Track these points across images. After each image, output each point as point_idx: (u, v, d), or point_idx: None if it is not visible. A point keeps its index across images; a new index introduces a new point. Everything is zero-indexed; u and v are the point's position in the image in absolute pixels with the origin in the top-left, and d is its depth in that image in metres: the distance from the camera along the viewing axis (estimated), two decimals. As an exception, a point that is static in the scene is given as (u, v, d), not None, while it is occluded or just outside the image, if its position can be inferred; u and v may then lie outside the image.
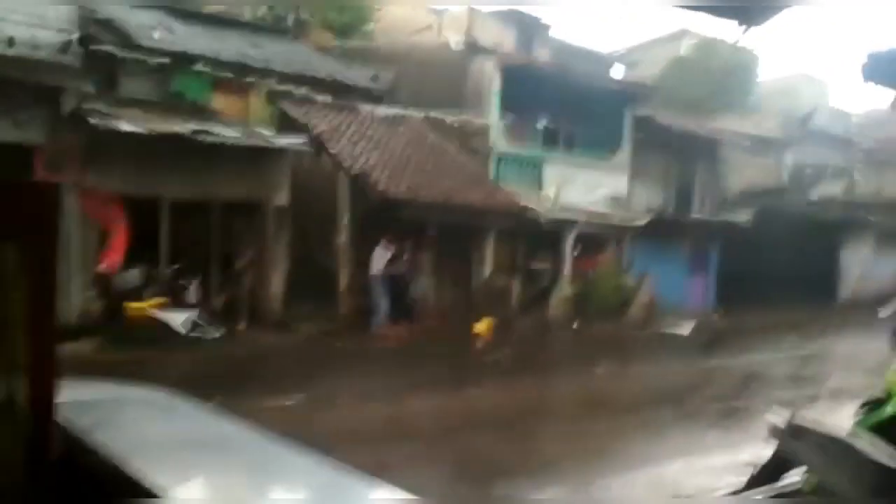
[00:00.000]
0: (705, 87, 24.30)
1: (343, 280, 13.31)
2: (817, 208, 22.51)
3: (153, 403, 3.33)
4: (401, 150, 14.48)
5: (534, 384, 10.46)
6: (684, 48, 27.26)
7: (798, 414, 4.34)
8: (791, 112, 24.44)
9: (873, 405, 4.68)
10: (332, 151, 13.29)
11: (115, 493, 2.20)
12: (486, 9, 20.92)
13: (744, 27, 1.95)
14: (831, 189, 24.65)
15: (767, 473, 4.26)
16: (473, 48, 16.73)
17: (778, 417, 4.16)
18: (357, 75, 15.56)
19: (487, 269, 15.08)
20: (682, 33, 27.93)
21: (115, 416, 2.96)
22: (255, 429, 2.90)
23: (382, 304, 13.22)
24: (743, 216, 19.41)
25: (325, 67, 15.10)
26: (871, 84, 3.37)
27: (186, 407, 3.29)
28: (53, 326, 2.26)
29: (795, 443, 4.06)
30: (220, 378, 9.34)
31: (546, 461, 6.96)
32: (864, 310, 21.33)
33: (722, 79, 25.11)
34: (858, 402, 5.09)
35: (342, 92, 14.79)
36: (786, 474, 4.22)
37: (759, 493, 4.32)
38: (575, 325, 15.29)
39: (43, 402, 2.27)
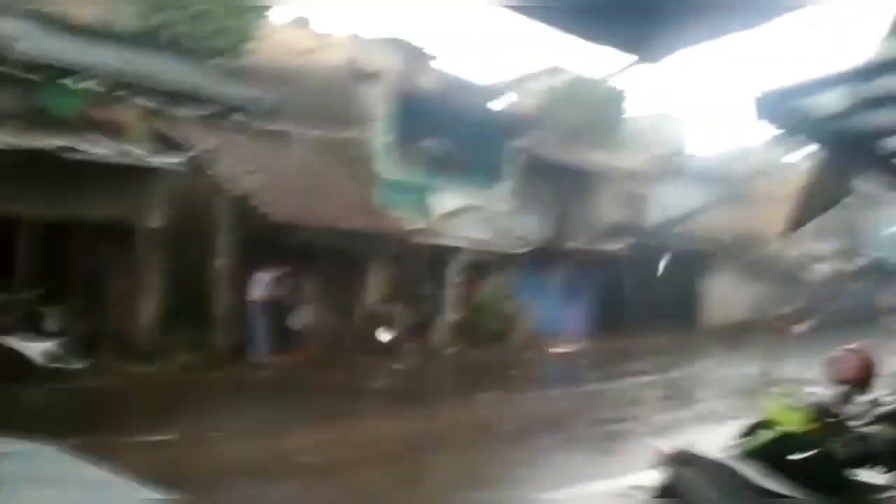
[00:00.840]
0: (580, 122, 25.37)
1: (221, 307, 12.76)
2: (682, 240, 23.91)
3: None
4: (285, 173, 14.13)
5: (419, 413, 10.37)
6: (559, 83, 28.42)
7: (683, 441, 4.50)
8: (656, 148, 26.02)
9: (752, 429, 4.93)
10: (213, 172, 12.78)
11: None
12: (369, 35, 20.96)
13: (639, 63, 2.00)
14: (695, 222, 26.35)
15: (658, 500, 4.38)
16: (359, 73, 16.67)
17: (663, 444, 4.26)
18: (240, 94, 15.07)
19: (373, 295, 14.93)
20: (556, 69, 29.14)
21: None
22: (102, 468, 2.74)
23: (263, 332, 12.75)
24: (616, 245, 20.29)
25: (206, 84, 14.53)
26: (764, 122, 3.46)
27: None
28: None
29: (682, 469, 4.18)
30: (83, 414, 8.65)
31: (431, 493, 6.90)
32: (726, 335, 22.87)
33: (594, 114, 26.32)
34: (730, 424, 5.36)
35: (224, 110, 14.27)
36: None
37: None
38: (459, 352, 15.38)
39: None
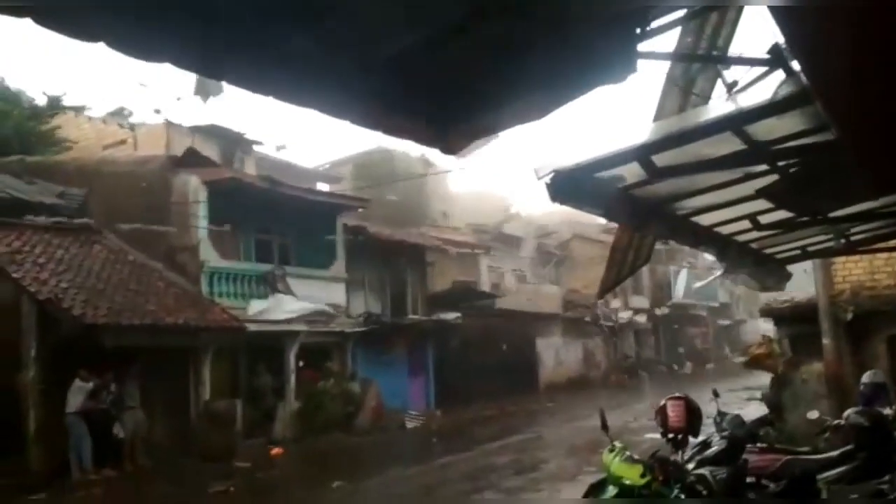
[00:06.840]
0: (405, 198, 25.98)
1: (33, 423, 11.47)
2: (514, 304, 24.86)
3: None
4: (98, 271, 13.22)
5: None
6: (381, 163, 29.08)
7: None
8: (481, 221, 27.22)
9: (597, 487, 5.09)
10: (14, 276, 11.68)
11: None
12: (186, 123, 20.44)
13: (446, 154, 2.11)
14: (524, 287, 27.56)
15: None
16: (175, 162, 16.09)
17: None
18: (41, 192, 14.08)
19: (206, 392, 14.07)
20: (379, 150, 29.87)
21: None
22: None
23: (84, 445, 11.57)
24: (452, 315, 20.69)
25: (4, 183, 13.48)
26: (557, 202, 3.59)
27: None
28: None
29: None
30: None
31: None
32: (560, 393, 23.80)
33: (420, 190, 27.15)
34: (577, 481, 5.53)
35: (24, 210, 13.27)
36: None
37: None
38: (307, 441, 14.78)
39: None
